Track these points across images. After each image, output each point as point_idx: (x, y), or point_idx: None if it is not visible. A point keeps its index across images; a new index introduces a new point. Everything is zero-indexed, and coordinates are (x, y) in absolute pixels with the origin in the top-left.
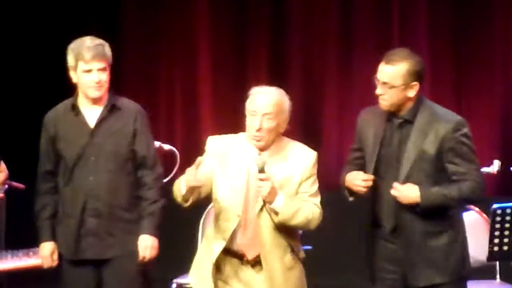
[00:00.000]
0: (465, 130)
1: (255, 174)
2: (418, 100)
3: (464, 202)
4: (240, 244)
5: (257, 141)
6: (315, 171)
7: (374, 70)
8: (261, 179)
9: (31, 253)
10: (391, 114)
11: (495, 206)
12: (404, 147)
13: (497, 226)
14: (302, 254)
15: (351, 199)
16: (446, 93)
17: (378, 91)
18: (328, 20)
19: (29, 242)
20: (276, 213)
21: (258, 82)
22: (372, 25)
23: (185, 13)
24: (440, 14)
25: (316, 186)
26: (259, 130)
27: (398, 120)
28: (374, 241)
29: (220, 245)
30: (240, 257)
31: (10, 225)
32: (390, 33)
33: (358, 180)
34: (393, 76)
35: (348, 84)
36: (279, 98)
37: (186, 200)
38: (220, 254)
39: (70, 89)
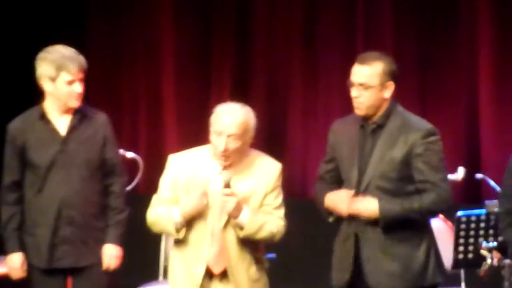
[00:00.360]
0: (435, 138)
1: (219, 189)
2: (391, 106)
3: (426, 214)
4: (207, 260)
5: (223, 161)
6: (279, 183)
7: (338, 78)
8: (226, 195)
9: None
10: (364, 121)
11: (460, 213)
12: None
13: (462, 233)
14: (266, 264)
15: (331, 219)
16: (410, 99)
17: (354, 93)
18: (292, 29)
19: None
20: (241, 228)
21: (222, 90)
22: (336, 33)
23: (149, 23)
24: (405, 23)
25: (280, 198)
26: (224, 151)
27: (371, 126)
28: (348, 250)
29: (201, 267)
30: (207, 271)
31: None
32: (355, 42)
33: (342, 203)
34: (369, 76)
35: (313, 93)
36: (244, 118)
37: (178, 230)
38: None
39: (37, 97)
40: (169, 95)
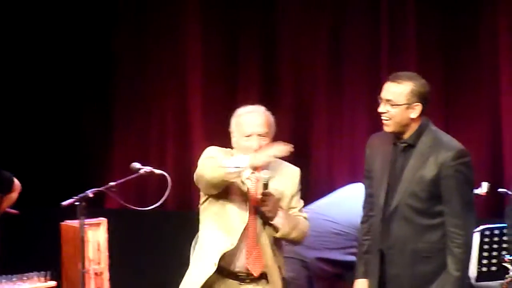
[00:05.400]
0: (466, 159)
1: (252, 190)
2: (423, 125)
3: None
4: (244, 263)
5: None
6: (300, 186)
7: (363, 94)
8: (265, 195)
9: (24, 278)
10: (396, 138)
11: (483, 227)
12: (404, 171)
13: (486, 247)
14: (285, 274)
15: None
16: (434, 114)
17: (381, 108)
18: (318, 45)
19: (23, 268)
20: (277, 229)
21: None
22: (361, 50)
23: (176, 41)
24: (429, 37)
25: (302, 201)
26: (257, 150)
27: (402, 144)
28: (377, 263)
29: (213, 261)
30: (241, 276)
31: (3, 251)
32: (379, 57)
33: None
34: (397, 94)
35: (338, 108)
36: (267, 115)
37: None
38: (215, 276)
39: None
40: (196, 111)
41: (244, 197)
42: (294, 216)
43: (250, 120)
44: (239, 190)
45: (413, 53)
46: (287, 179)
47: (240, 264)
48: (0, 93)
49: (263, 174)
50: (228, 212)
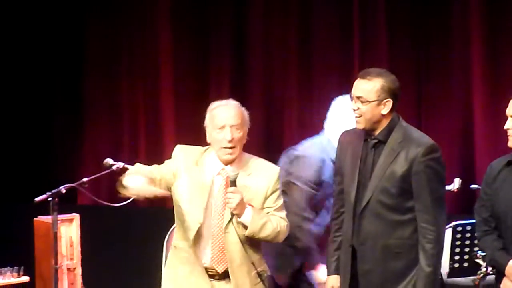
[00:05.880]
0: (436, 155)
1: (221, 187)
2: (393, 121)
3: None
4: (210, 260)
5: (230, 153)
6: (279, 185)
7: (334, 89)
8: (231, 192)
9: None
10: (367, 135)
11: (455, 223)
12: (375, 167)
13: (458, 243)
14: (267, 272)
15: None
16: (406, 111)
17: (353, 106)
18: (288, 45)
19: None
20: (245, 227)
21: None
22: (332, 44)
23: (147, 37)
24: (400, 34)
25: (281, 200)
26: (231, 141)
27: (373, 140)
28: (348, 259)
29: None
30: (209, 272)
31: None
32: (351, 52)
33: None
34: (367, 91)
35: (309, 103)
36: (240, 108)
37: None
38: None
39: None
40: (167, 107)
41: (201, 192)
42: (266, 214)
43: (223, 112)
44: (197, 187)
45: (384, 49)
46: (263, 178)
47: (206, 260)
48: None
49: (230, 171)
50: (184, 209)
